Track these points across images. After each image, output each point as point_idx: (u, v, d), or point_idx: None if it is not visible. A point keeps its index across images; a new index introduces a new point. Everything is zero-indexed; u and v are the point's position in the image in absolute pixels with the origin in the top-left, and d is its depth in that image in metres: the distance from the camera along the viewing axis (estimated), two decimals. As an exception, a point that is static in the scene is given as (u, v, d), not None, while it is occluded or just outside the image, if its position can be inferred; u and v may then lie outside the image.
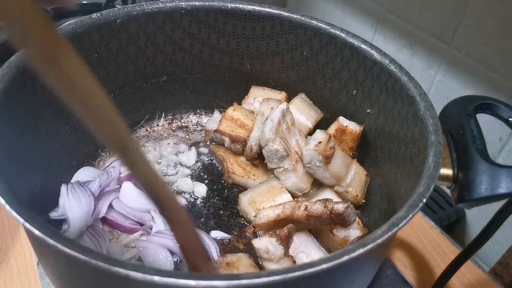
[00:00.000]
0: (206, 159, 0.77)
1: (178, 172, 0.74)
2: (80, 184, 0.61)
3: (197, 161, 0.77)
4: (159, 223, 0.62)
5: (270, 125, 0.64)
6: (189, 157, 0.77)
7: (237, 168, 0.71)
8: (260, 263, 0.58)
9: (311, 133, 0.73)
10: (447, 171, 0.49)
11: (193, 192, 0.71)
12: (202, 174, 0.75)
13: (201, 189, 0.71)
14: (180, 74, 0.79)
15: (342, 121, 0.70)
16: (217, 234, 0.64)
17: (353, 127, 0.69)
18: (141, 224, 0.63)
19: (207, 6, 0.72)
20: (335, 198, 0.64)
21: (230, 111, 0.76)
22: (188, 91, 0.82)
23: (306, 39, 0.72)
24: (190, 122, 0.85)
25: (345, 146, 0.70)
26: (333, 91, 0.74)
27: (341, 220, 0.55)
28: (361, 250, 0.36)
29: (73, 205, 0.58)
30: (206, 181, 0.73)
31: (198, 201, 0.70)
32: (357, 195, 0.66)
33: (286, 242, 0.56)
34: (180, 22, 0.72)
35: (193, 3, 0.72)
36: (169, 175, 0.74)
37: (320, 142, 0.64)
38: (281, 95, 0.78)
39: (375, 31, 1.05)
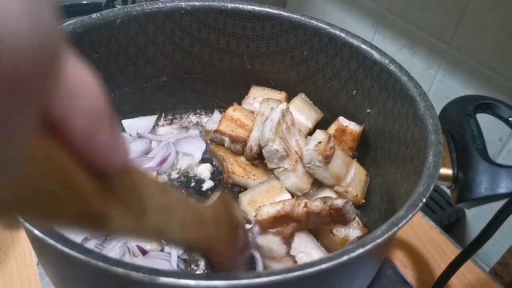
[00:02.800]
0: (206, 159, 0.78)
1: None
2: None
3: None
4: None
5: (270, 125, 0.64)
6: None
7: (237, 168, 0.71)
8: (262, 261, 0.58)
9: (311, 133, 0.72)
10: (447, 171, 0.49)
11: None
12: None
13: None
14: (180, 74, 0.79)
15: (342, 121, 0.70)
16: None
17: (353, 127, 0.69)
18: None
19: (207, 6, 0.72)
20: (335, 198, 0.64)
21: (230, 111, 0.76)
22: (188, 91, 0.82)
23: (306, 39, 0.72)
24: (190, 122, 0.85)
25: (345, 146, 0.70)
26: (333, 91, 0.74)
27: (341, 216, 0.55)
28: (361, 250, 0.36)
29: None
30: (206, 181, 0.73)
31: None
32: (357, 195, 0.66)
33: (289, 241, 0.56)
34: (180, 22, 0.72)
35: (193, 3, 0.72)
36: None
37: (320, 142, 0.64)
38: (281, 95, 0.78)
39: (375, 31, 1.05)
